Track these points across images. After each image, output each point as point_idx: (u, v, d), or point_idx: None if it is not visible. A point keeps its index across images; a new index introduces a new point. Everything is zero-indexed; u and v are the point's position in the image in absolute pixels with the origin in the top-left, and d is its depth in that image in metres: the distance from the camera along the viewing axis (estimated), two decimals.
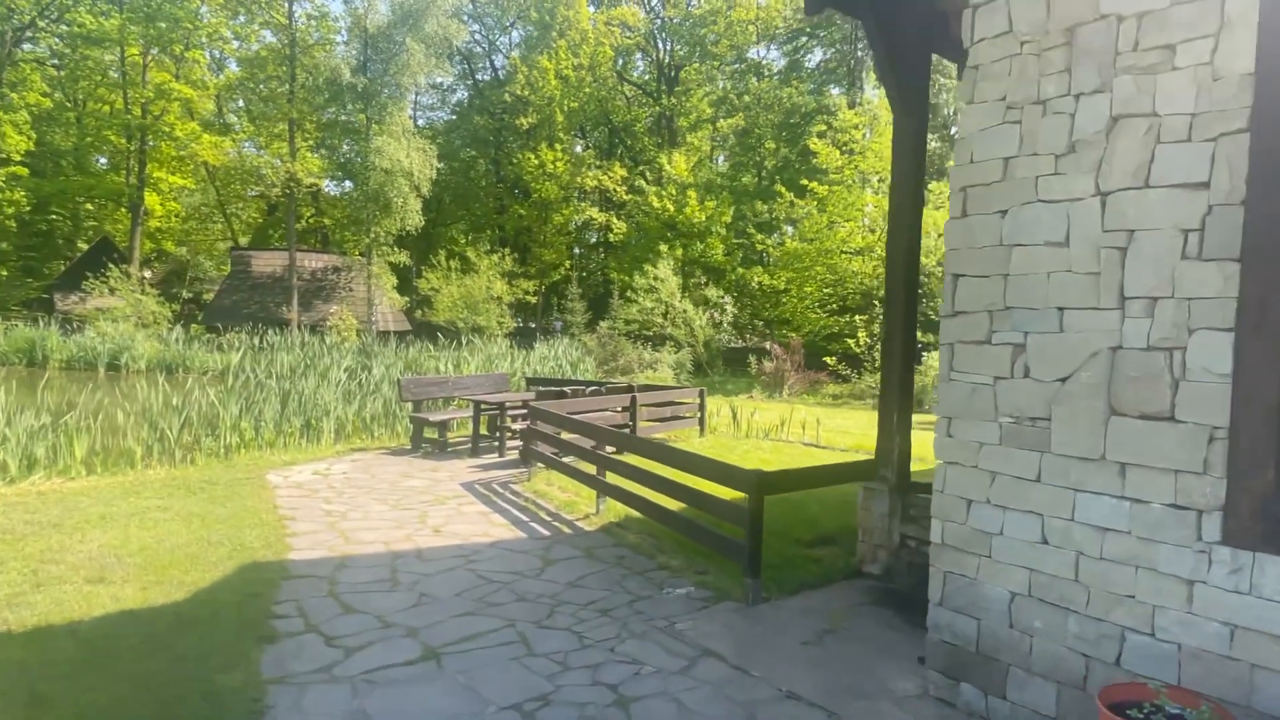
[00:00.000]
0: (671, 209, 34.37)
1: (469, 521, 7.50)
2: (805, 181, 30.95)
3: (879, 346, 22.44)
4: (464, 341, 19.98)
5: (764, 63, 45.30)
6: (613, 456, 7.49)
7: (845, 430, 14.57)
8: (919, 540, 5.68)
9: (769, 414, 15.29)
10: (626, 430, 10.96)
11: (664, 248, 32.08)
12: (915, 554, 5.69)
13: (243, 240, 44.45)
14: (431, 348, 20.03)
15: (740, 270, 35.10)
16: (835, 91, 42.57)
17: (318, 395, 12.90)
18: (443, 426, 11.42)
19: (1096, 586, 3.36)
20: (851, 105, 35.31)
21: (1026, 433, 3.60)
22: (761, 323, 39.18)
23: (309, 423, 12.08)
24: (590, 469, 8.02)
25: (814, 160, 32.79)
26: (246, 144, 41.56)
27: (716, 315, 29.07)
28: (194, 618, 4.93)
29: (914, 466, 5.93)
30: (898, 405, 5.87)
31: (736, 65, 44.95)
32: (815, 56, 45.03)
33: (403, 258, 32.63)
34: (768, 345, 24.98)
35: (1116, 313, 3.30)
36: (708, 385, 25.55)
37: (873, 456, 6.06)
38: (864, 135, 31.70)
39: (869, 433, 14.80)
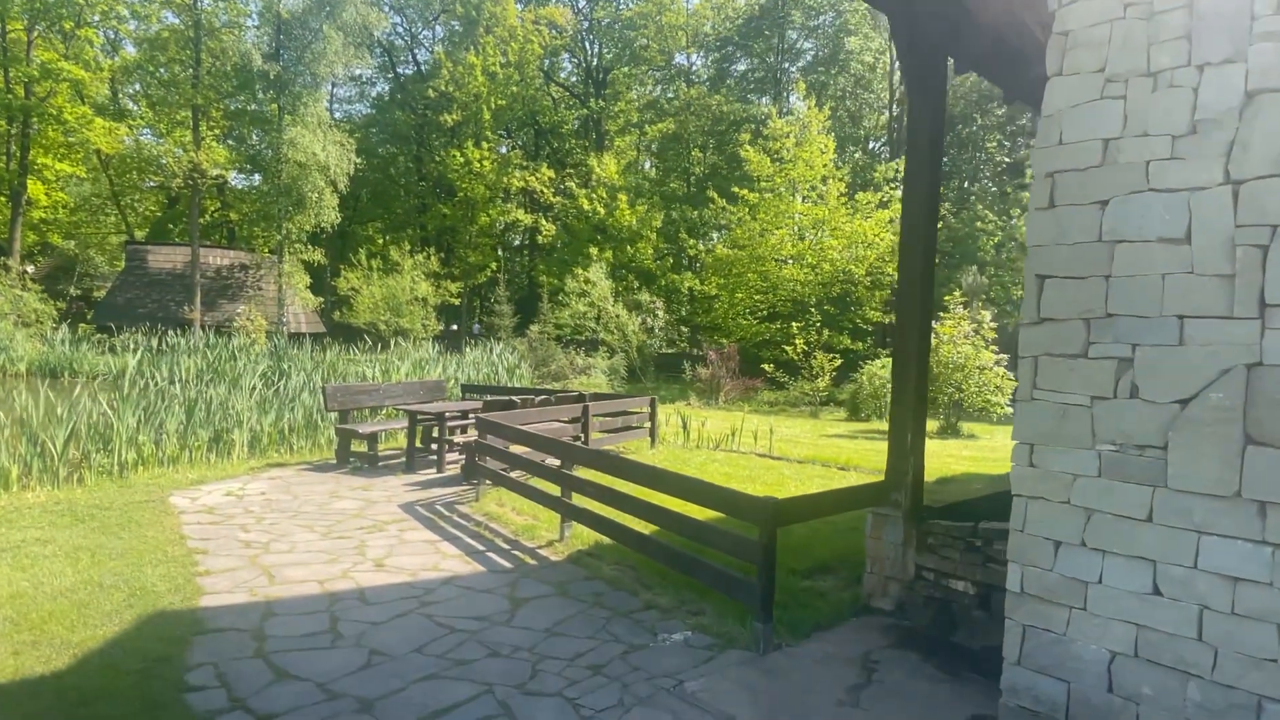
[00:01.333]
0: (602, 212, 33.70)
1: (416, 552, 6.58)
2: (736, 189, 30.81)
3: (817, 354, 22.34)
4: (390, 345, 18.72)
5: (693, 69, 45.19)
6: (582, 477, 6.70)
7: (795, 440, 14.16)
8: (938, 573, 5.14)
9: (718, 423, 14.75)
10: (579, 443, 10.18)
11: (594, 251, 31.36)
12: (934, 588, 5.15)
13: (139, 234, 41.14)
14: (353, 351, 18.67)
15: (671, 276, 34.70)
16: (763, 101, 42.84)
17: (229, 404, 11.56)
18: (373, 439, 10.36)
19: (1226, 647, 2.83)
20: (780, 115, 35.47)
21: (1134, 463, 3.05)
22: (688, 329, 39.00)
23: (219, 435, 10.77)
24: (552, 489, 7.21)
25: (745, 167, 32.74)
26: (144, 131, 38.50)
27: (649, 320, 28.50)
28: (82, 695, 3.89)
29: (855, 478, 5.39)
30: (912, 423, 5.32)
31: (665, 71, 44.71)
32: (741, 65, 45.25)
33: (317, 256, 30.74)
34: (705, 351, 24.46)
35: (1255, 323, 2.78)
36: (641, 392, 25.00)
37: (878, 478, 5.49)
38: (794, 144, 31.83)
39: (819, 443, 14.49)
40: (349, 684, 4.13)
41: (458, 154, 35.46)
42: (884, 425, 17.73)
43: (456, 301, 36.41)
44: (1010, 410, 17.99)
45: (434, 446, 10.90)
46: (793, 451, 12.56)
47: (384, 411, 13.12)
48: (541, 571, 6.12)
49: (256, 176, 37.31)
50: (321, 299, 34.18)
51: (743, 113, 40.48)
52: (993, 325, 18.32)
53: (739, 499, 4.72)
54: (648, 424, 11.92)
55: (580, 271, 28.46)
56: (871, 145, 43.68)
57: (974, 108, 38.07)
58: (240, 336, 23.75)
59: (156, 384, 13.58)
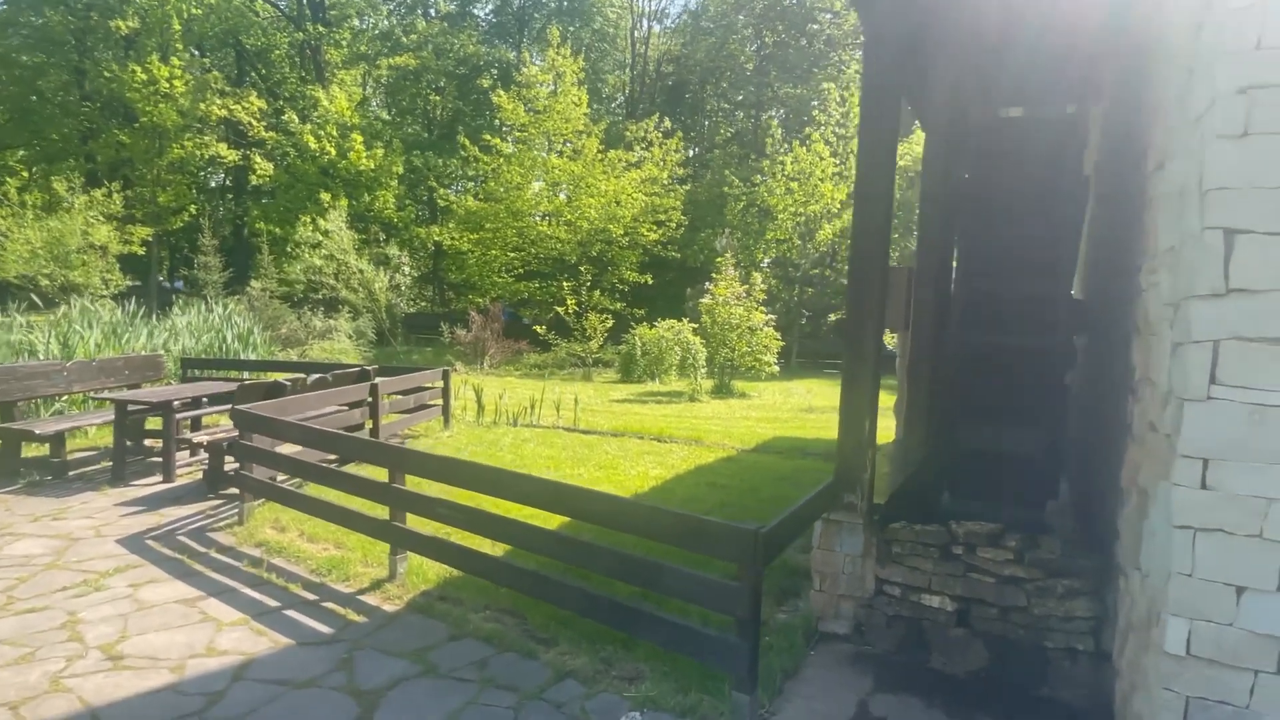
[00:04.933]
0: (333, 153, 29.57)
1: (170, 623, 4.42)
2: (488, 137, 28.68)
3: (589, 316, 21.44)
4: (58, 306, 14.29)
5: (431, 3, 41.33)
6: (421, 494, 4.94)
7: (589, 408, 13.10)
8: (905, 587, 4.32)
9: (518, 393, 13.21)
10: (363, 432, 8.14)
11: (326, 197, 27.41)
12: (900, 605, 4.32)
13: None
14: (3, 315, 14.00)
15: (416, 229, 31.64)
16: (506, 47, 40.54)
17: None
18: (58, 440, 7.42)
19: None
20: (526, 63, 33.54)
21: None
22: (435, 287, 36.21)
23: None
24: (365, 505, 5.35)
25: (497, 115, 30.60)
26: None
27: (396, 277, 25.60)
28: None
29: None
30: (869, 411, 4.40)
31: (398, 1, 40.38)
32: (483, 8, 42.38)
33: None
34: (466, 311, 22.46)
35: None
36: (393, 358, 22.38)
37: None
38: (547, 94, 30.32)
39: (614, 410, 13.54)
40: None
41: (138, 69, 28.78)
42: (660, 387, 17.39)
43: (142, 252, 29.93)
44: (777, 369, 18.65)
45: (149, 445, 8.19)
46: (598, 423, 11.48)
47: (64, 399, 9.72)
48: (381, 634, 4.34)
49: None
50: None
51: (488, 56, 37.93)
52: (763, 287, 18.73)
53: (709, 529, 3.44)
54: (440, 401, 10.07)
55: (308, 219, 24.63)
56: (615, 103, 43.52)
57: (709, 75, 39.40)
58: None
59: None
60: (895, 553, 4.34)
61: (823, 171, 25.12)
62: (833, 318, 27.85)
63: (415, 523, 5.05)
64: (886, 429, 6.28)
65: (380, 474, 5.14)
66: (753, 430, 11.49)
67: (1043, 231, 6.03)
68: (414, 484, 5.26)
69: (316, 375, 7.89)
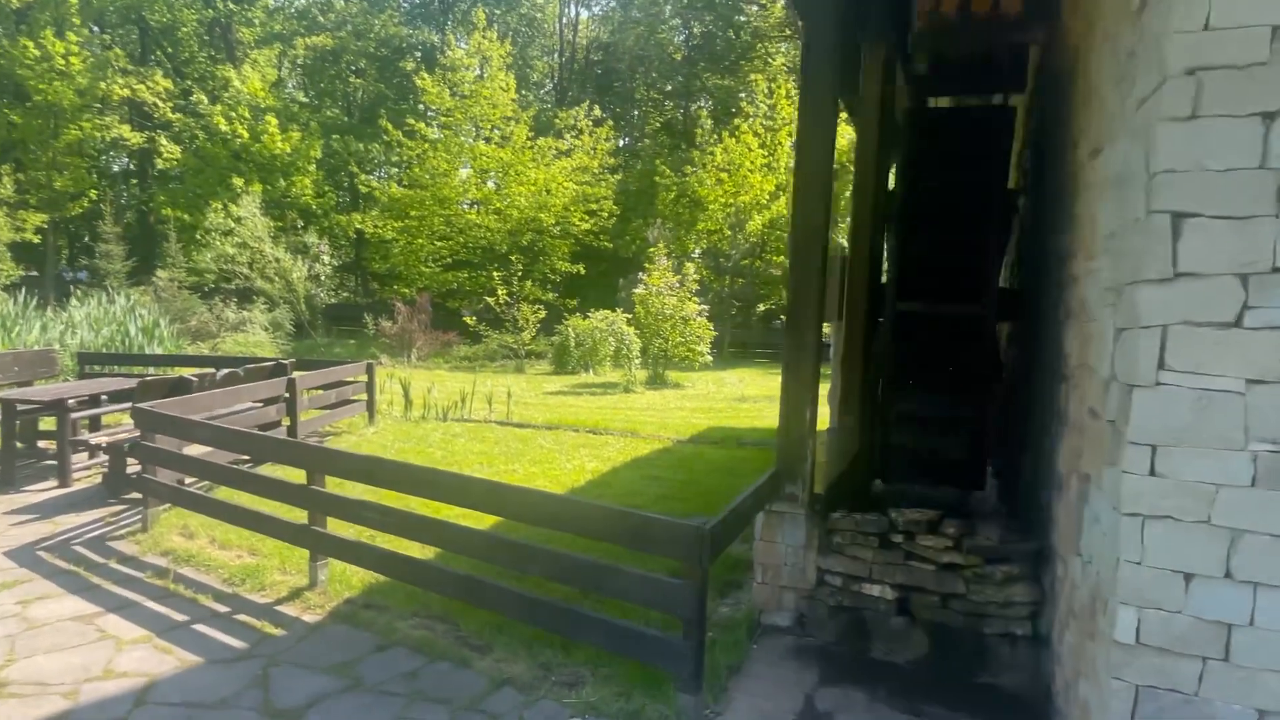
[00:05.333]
0: (246, 136, 28.18)
1: (64, 642, 4.03)
2: (413, 121, 27.85)
3: (521, 306, 21.05)
4: None
5: None
6: (344, 496, 4.65)
7: (522, 400, 12.83)
8: (847, 577, 4.27)
9: (448, 386, 12.81)
10: (280, 430, 7.71)
11: (239, 182, 26.10)
12: (842, 595, 4.28)
13: None
14: None
15: (337, 217, 30.49)
16: (430, 30, 39.38)
17: None
18: None
19: None
20: (451, 47, 32.65)
21: None
22: (357, 278, 35.03)
23: None
24: (283, 509, 5.02)
25: (421, 99, 29.71)
26: None
27: (315, 266, 24.62)
28: None
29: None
30: (810, 400, 4.33)
31: None
32: None
33: None
34: (392, 302, 21.78)
35: None
36: (313, 351, 21.54)
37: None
38: (474, 78, 29.62)
39: (549, 403, 13.27)
40: None
41: (30, 45, 26.80)
42: (594, 378, 17.22)
43: (37, 240, 27.93)
44: (710, 359, 18.69)
45: (43, 447, 7.58)
46: (532, 416, 11.23)
47: None
48: (301, 647, 4.05)
49: None
50: None
51: (411, 38, 36.79)
52: (696, 278, 18.70)
53: (653, 526, 3.29)
54: (364, 395, 9.65)
55: (218, 206, 23.42)
56: (543, 90, 42.87)
57: (638, 63, 39.19)
58: None
59: None
60: (836, 543, 4.29)
61: (752, 162, 25.28)
62: (762, 308, 28.16)
63: (338, 527, 4.75)
64: (822, 416, 6.26)
65: (298, 475, 4.82)
66: (688, 421, 11.43)
67: (973, 222, 6.08)
68: (335, 486, 4.95)
69: (227, 370, 7.43)
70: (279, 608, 4.52)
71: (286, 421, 7.72)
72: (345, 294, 33.75)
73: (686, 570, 3.22)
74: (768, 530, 4.34)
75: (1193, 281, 2.39)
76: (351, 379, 9.38)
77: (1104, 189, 3.28)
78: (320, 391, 8.74)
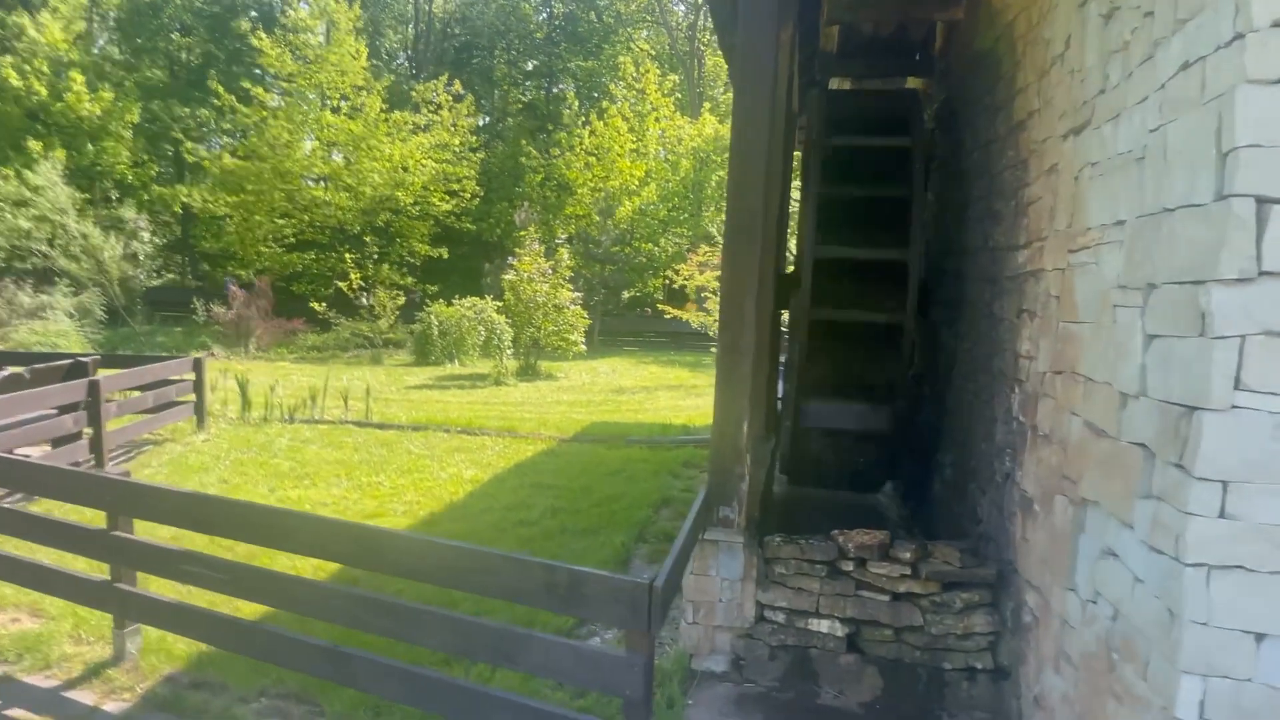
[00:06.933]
0: (44, 93, 24.45)
1: None
2: (249, 85, 25.19)
3: (377, 291, 19.45)
4: None
5: None
6: (159, 544, 3.59)
7: (382, 396, 11.64)
8: (790, 612, 3.73)
9: (295, 382, 11.36)
10: (81, 443, 6.29)
11: (35, 145, 22.56)
12: (785, 632, 3.74)
13: None
14: None
15: (159, 189, 27.11)
16: None
17: None
18: None
19: None
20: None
21: None
22: (186, 257, 31.51)
23: None
24: (87, 566, 3.87)
25: (258, 61, 26.90)
26: None
27: (133, 245, 21.71)
28: None
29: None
30: (746, 410, 3.74)
31: None
32: None
33: None
34: (227, 287, 19.55)
35: None
36: (132, 341, 19.00)
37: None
38: (319, 42, 27.20)
39: (413, 398, 12.09)
40: None
41: None
42: (461, 369, 16.14)
43: None
44: (584, 348, 17.97)
45: None
46: (396, 415, 10.11)
47: None
48: None
49: None
50: None
51: None
52: (570, 264, 17.90)
53: (586, 582, 2.55)
54: (192, 396, 8.22)
55: (14, 172, 20.09)
56: (396, 62, 40.35)
57: (499, 38, 37.64)
58: None
59: None
60: (778, 573, 3.74)
61: (621, 147, 24.72)
62: (626, 295, 27.77)
63: (155, 583, 3.69)
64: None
65: (98, 516, 3.70)
66: (568, 416, 10.70)
67: (886, 210, 5.73)
68: (148, 529, 3.87)
69: (8, 372, 5.95)
70: (70, 694, 3.42)
71: (89, 433, 6.32)
72: (172, 275, 30.26)
73: (632, 639, 2.52)
74: (700, 562, 3.73)
75: (1276, 280, 1.96)
76: (176, 377, 7.93)
77: (1099, 171, 2.87)
78: (137, 393, 7.30)
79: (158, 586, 3.76)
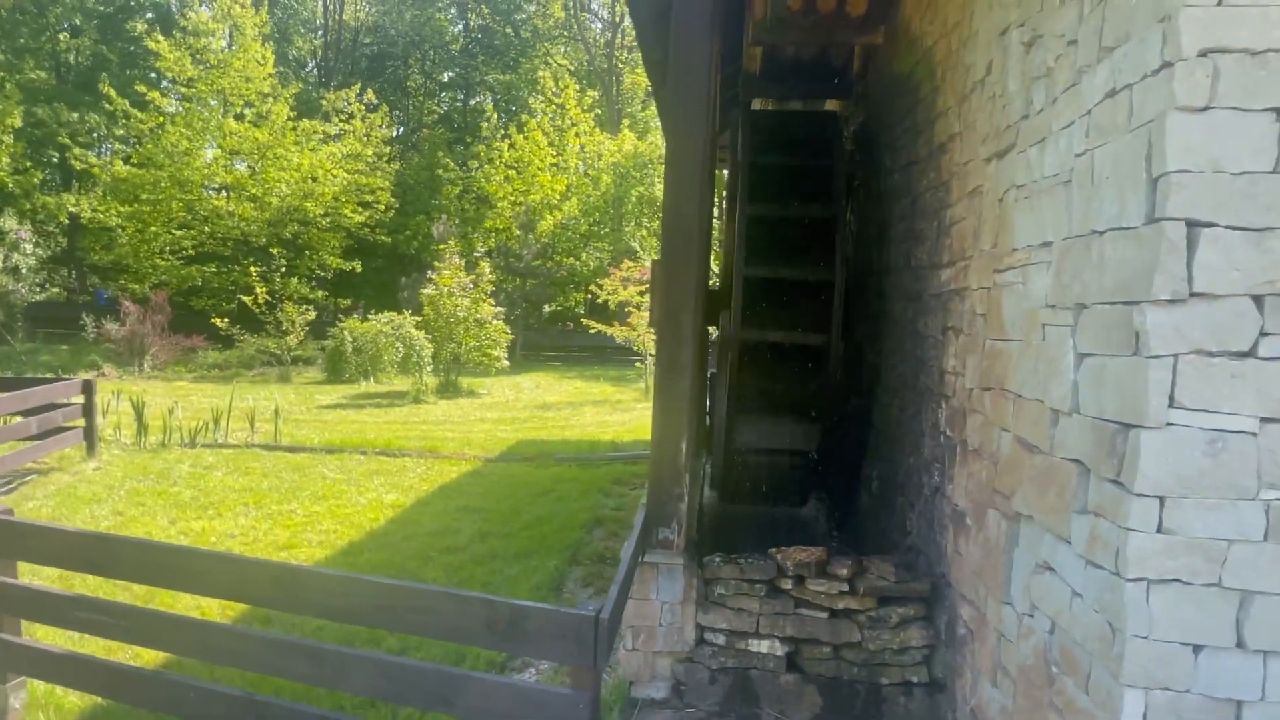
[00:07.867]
0: None
1: None
2: (143, 89, 23.88)
3: (285, 306, 18.65)
4: None
5: None
6: (44, 589, 3.26)
7: (292, 417, 11.12)
8: (731, 634, 3.68)
9: (196, 403, 10.69)
10: None
11: None
12: (726, 654, 3.68)
13: None
14: None
15: (44, 198, 25.31)
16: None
17: None
18: None
19: None
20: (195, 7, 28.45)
21: None
22: (72, 271, 29.49)
23: None
24: None
25: (154, 65, 25.52)
26: None
27: (15, 257, 20.18)
28: None
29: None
30: (686, 429, 3.69)
31: None
32: None
33: None
34: (120, 302, 18.38)
35: None
36: (10, 360, 17.62)
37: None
38: (222, 46, 26.10)
39: (326, 419, 11.58)
40: None
41: None
42: (377, 387, 15.64)
43: None
44: (507, 364, 17.67)
45: None
46: (307, 437, 9.65)
47: None
48: None
49: None
50: None
51: None
52: (491, 278, 17.58)
53: (528, 617, 2.42)
54: (81, 420, 7.61)
55: None
56: (305, 69, 39.06)
57: (413, 48, 36.96)
58: None
59: None
60: (718, 594, 3.69)
61: (541, 161, 24.58)
62: (548, 309, 27.57)
63: (42, 631, 3.34)
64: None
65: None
66: (493, 434, 10.46)
67: (806, 230, 5.80)
68: (31, 572, 3.51)
69: None
70: None
71: None
72: (57, 290, 28.27)
73: (577, 677, 2.41)
74: (640, 586, 3.64)
75: (1208, 304, 2.03)
76: (63, 399, 7.33)
77: (1025, 193, 2.95)
78: (19, 418, 6.70)
79: (45, 635, 3.41)
